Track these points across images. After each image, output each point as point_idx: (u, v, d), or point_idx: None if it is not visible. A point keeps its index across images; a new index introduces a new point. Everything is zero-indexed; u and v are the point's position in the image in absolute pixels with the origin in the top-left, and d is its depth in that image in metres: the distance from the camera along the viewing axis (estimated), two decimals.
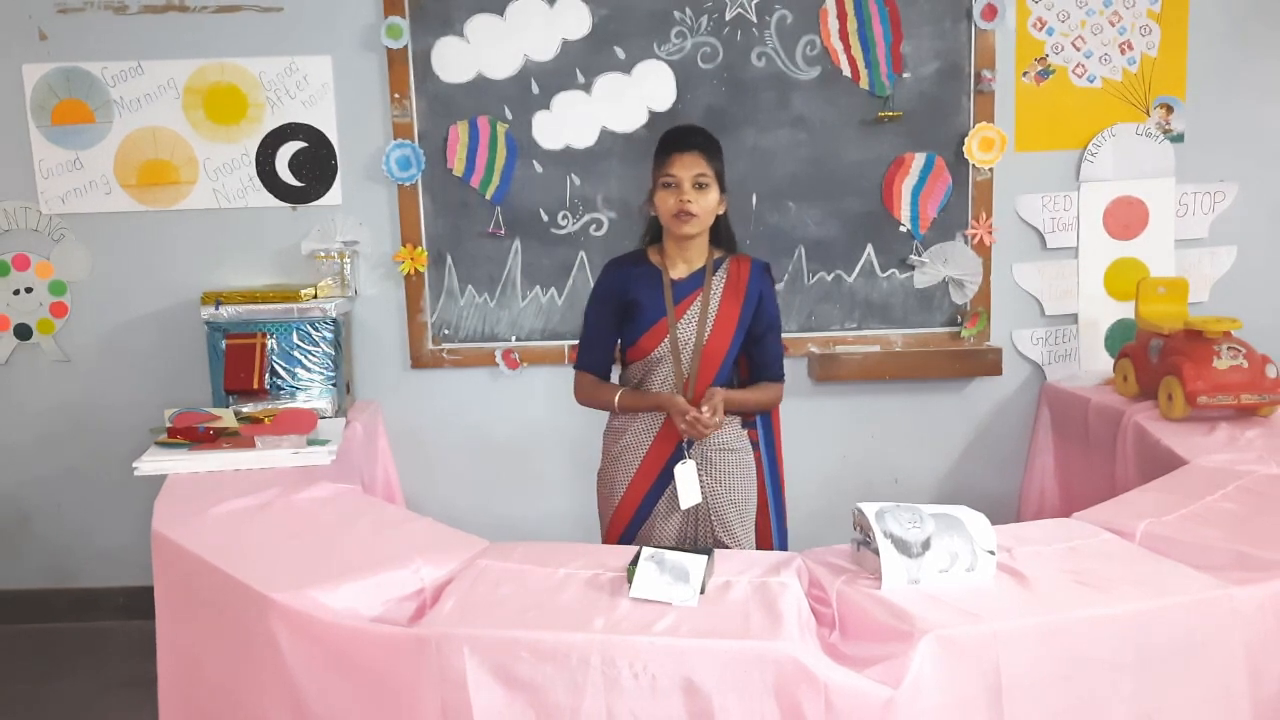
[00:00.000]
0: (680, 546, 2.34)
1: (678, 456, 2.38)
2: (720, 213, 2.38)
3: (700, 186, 2.28)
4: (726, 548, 2.36)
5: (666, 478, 2.39)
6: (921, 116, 3.38)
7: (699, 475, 2.37)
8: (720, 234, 2.43)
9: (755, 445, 2.53)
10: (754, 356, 2.45)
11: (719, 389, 2.34)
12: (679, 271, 2.39)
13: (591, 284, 3.39)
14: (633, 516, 2.42)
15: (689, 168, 2.27)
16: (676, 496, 2.36)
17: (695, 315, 2.36)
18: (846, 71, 3.36)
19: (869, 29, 3.34)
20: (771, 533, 2.59)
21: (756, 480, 2.51)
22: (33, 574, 3.57)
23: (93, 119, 3.34)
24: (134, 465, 2.53)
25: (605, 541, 2.47)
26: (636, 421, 2.41)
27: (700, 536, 2.41)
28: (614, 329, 2.44)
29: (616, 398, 2.39)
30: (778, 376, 2.48)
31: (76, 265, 3.42)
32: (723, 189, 2.35)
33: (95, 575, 3.56)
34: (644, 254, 2.44)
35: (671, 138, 2.36)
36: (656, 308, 2.36)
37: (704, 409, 2.27)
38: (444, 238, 3.42)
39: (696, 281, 2.38)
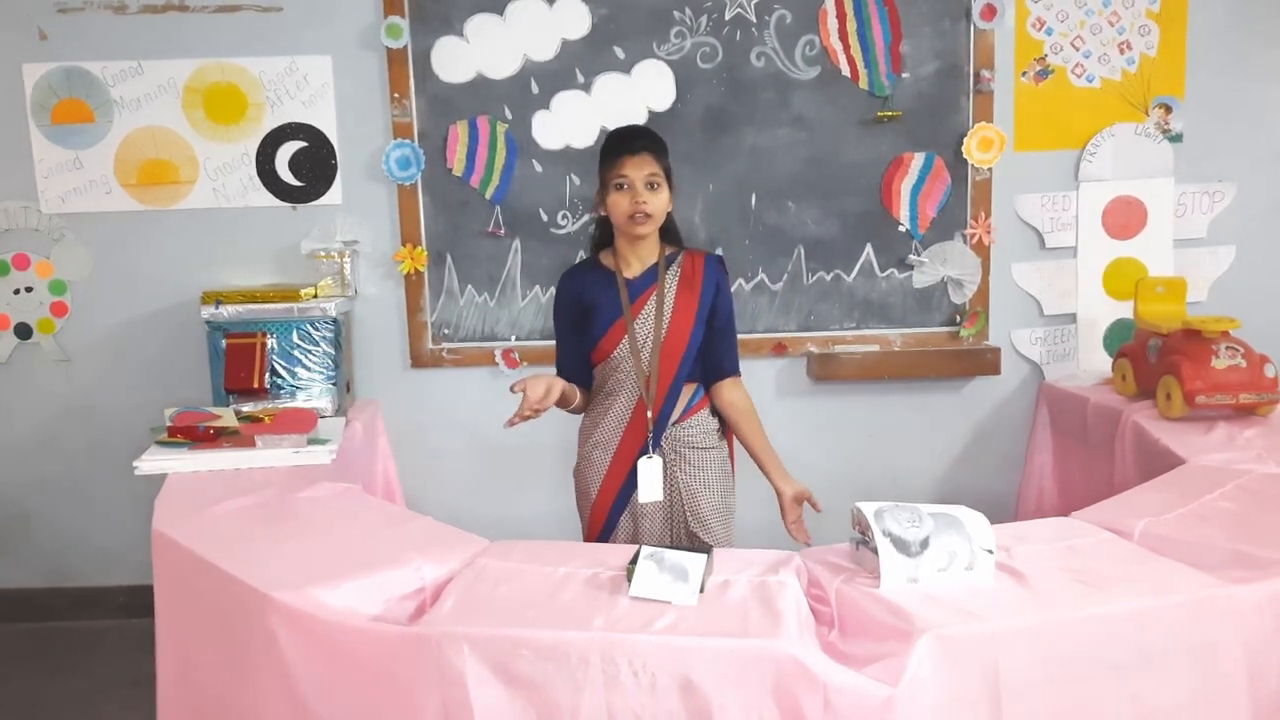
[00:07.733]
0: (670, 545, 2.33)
1: (645, 452, 2.38)
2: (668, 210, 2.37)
3: (653, 186, 2.28)
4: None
5: (637, 473, 2.39)
6: (920, 116, 3.38)
7: (674, 472, 2.39)
8: (669, 230, 2.42)
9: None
10: (711, 352, 2.40)
11: (804, 493, 2.39)
12: (633, 270, 2.38)
13: None
14: (608, 513, 2.42)
15: (640, 168, 2.26)
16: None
17: (651, 311, 2.35)
18: (846, 71, 3.36)
19: (868, 29, 3.34)
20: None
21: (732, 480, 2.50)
22: (33, 573, 3.57)
23: (92, 118, 3.34)
24: (134, 464, 2.53)
25: (586, 539, 2.46)
26: (606, 418, 2.40)
27: (676, 536, 2.40)
28: (577, 335, 2.42)
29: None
30: (734, 370, 2.44)
31: (76, 265, 3.42)
32: (671, 187, 2.34)
33: (95, 574, 3.56)
34: (596, 259, 2.44)
35: (620, 139, 2.34)
36: (613, 308, 2.35)
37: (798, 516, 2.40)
38: (444, 237, 3.43)
39: (651, 278, 2.37)
